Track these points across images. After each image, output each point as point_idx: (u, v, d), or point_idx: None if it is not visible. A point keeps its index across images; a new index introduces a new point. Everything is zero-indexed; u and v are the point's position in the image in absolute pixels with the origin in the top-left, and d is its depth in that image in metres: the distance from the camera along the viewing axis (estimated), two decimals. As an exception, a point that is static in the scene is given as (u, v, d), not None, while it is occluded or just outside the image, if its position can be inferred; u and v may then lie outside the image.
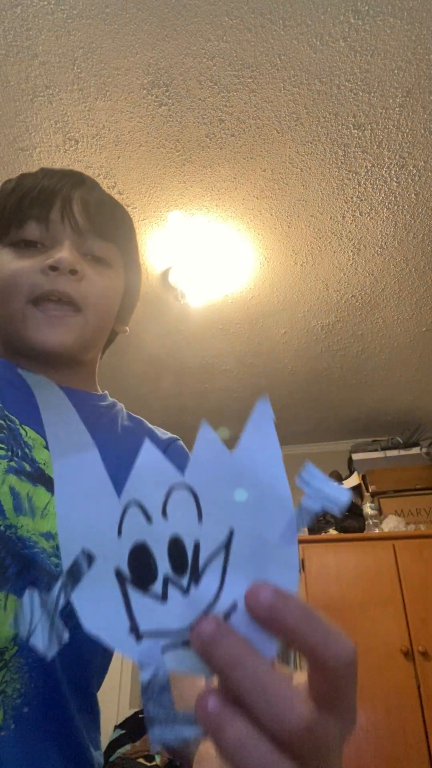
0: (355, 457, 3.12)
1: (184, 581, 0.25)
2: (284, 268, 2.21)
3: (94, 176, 1.81)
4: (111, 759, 1.88)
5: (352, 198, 1.91)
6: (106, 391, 0.71)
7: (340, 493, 0.24)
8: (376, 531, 2.69)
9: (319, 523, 2.80)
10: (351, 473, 3.12)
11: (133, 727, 2.27)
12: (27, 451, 0.53)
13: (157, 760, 2.18)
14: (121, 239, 0.65)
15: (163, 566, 0.25)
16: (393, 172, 1.81)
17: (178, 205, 1.92)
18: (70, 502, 0.26)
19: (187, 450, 0.69)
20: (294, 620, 0.22)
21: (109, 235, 0.63)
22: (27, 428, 0.55)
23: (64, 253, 0.57)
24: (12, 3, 1.37)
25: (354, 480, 3.06)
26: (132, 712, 2.27)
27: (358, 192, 1.88)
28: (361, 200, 1.92)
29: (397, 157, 1.76)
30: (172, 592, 0.25)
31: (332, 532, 2.72)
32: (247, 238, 2.06)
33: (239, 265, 2.19)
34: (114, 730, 2.04)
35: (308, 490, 0.24)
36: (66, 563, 0.25)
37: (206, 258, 2.13)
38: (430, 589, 2.40)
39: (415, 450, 3.06)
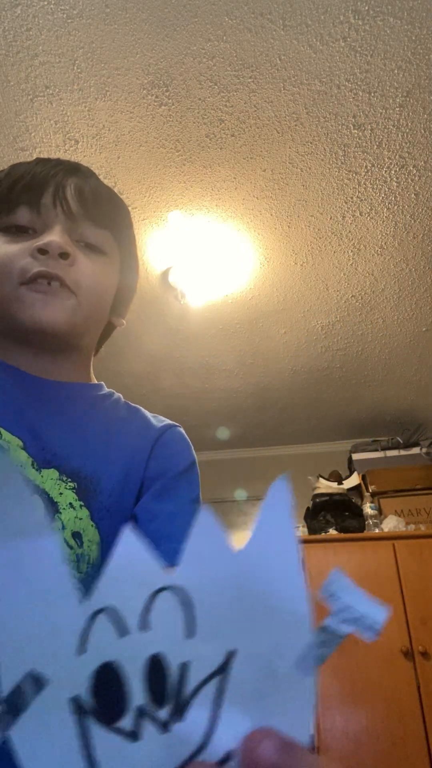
0: (355, 457, 3.12)
1: (164, 714, 0.19)
2: (284, 268, 2.21)
3: (94, 176, 1.81)
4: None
5: (352, 198, 1.91)
6: (102, 382, 0.69)
7: (376, 613, 0.19)
8: (376, 531, 2.69)
9: (319, 522, 2.80)
10: (351, 473, 3.12)
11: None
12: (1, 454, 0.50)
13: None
14: (117, 227, 0.64)
15: (138, 694, 0.19)
16: (393, 172, 1.81)
17: (178, 205, 1.92)
18: (16, 604, 0.20)
19: (186, 438, 0.66)
20: None
21: (103, 222, 0.61)
22: (1, 430, 0.52)
23: (53, 236, 0.56)
24: (12, 3, 1.37)
25: (354, 480, 3.06)
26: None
27: (358, 192, 1.88)
28: (361, 200, 1.92)
29: (397, 157, 1.76)
30: (148, 728, 0.19)
31: (332, 532, 2.72)
32: (247, 238, 2.06)
33: (239, 265, 2.19)
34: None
35: (336, 607, 0.19)
36: (5, 689, 0.19)
37: (206, 258, 2.13)
38: (430, 589, 2.40)
39: (415, 450, 3.06)
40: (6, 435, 0.53)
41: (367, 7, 1.37)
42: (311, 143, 1.72)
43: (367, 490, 2.92)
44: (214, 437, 3.46)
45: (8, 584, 0.20)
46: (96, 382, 0.69)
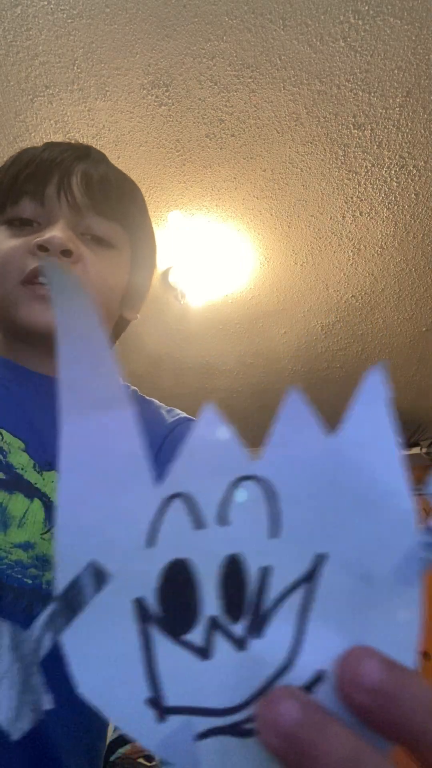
0: (355, 457, 3.12)
1: (240, 629, 0.16)
2: (284, 268, 2.21)
3: (94, 176, 1.81)
4: (111, 759, 1.89)
5: (352, 198, 1.91)
6: None
7: None
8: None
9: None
10: (351, 473, 3.12)
11: (133, 727, 2.26)
12: (1, 457, 0.49)
13: (158, 760, 2.18)
14: (127, 218, 0.59)
15: (211, 602, 0.16)
16: (393, 172, 1.81)
17: (178, 205, 1.92)
18: (79, 487, 0.17)
19: None
20: (418, 717, 0.14)
21: (111, 214, 0.56)
22: (2, 431, 0.51)
23: (55, 232, 0.51)
24: (12, 3, 1.37)
25: (354, 480, 3.06)
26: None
27: (358, 192, 1.88)
28: (361, 200, 1.92)
29: (397, 157, 1.76)
30: (221, 644, 0.16)
31: (332, 532, 2.72)
32: (247, 238, 2.07)
33: (239, 265, 2.19)
34: (114, 731, 2.05)
35: None
36: (61, 582, 0.16)
37: (206, 258, 2.13)
38: (430, 589, 2.40)
39: (415, 450, 3.06)
40: (7, 436, 0.51)
41: (367, 7, 1.37)
42: (311, 143, 1.72)
43: (367, 490, 2.92)
44: (214, 437, 3.46)
45: (75, 460, 0.17)
46: None
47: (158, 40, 1.45)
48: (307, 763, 0.14)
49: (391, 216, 1.98)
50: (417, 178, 1.83)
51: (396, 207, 1.94)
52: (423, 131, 1.68)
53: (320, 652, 0.16)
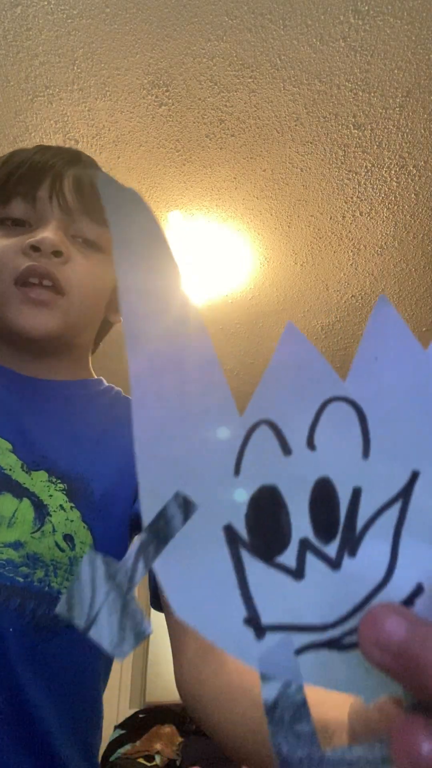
0: (355, 457, 3.12)
1: (333, 549, 0.16)
2: (284, 268, 2.21)
3: (94, 176, 1.81)
4: (111, 759, 1.89)
5: (352, 198, 1.91)
6: (101, 378, 0.67)
7: None
8: (376, 531, 2.69)
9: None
10: (351, 473, 3.12)
11: (133, 727, 2.27)
12: None
13: (158, 760, 2.18)
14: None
15: (302, 524, 0.16)
16: (393, 172, 1.81)
17: (178, 205, 1.92)
18: (157, 418, 0.16)
19: None
20: None
21: (101, 218, 0.56)
22: None
23: (47, 233, 0.53)
24: (12, 3, 1.37)
25: (354, 480, 3.06)
26: (132, 712, 2.27)
27: (358, 192, 1.89)
28: (361, 200, 1.92)
29: (397, 157, 1.76)
30: (314, 564, 0.16)
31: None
32: (247, 238, 2.07)
33: (239, 265, 2.19)
34: (114, 730, 2.05)
35: None
36: (148, 515, 0.16)
37: (206, 258, 2.13)
38: (430, 589, 2.40)
39: (415, 450, 3.06)
40: None
41: (367, 7, 1.37)
42: (311, 143, 1.72)
43: (367, 490, 2.92)
44: (214, 437, 3.46)
45: (149, 389, 0.17)
46: (95, 377, 0.67)
47: (158, 40, 1.45)
48: (415, 674, 0.14)
49: (391, 216, 1.98)
50: (417, 178, 1.83)
51: (396, 207, 1.94)
52: (423, 131, 1.68)
53: (416, 566, 0.16)
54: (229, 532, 0.16)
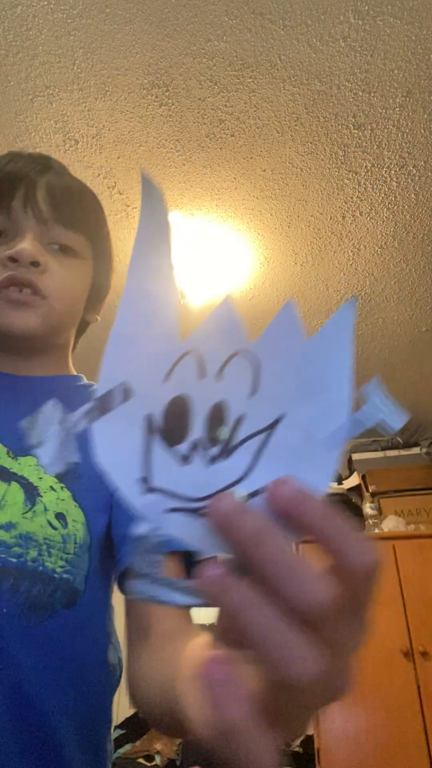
0: (355, 457, 3.12)
1: (214, 451, 0.23)
2: (284, 268, 2.21)
3: (94, 176, 1.82)
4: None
5: (352, 198, 1.91)
6: (81, 375, 0.70)
7: (395, 418, 0.23)
8: (376, 531, 2.69)
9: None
10: (351, 473, 3.12)
11: (133, 727, 2.27)
12: None
13: (157, 760, 2.18)
14: (89, 228, 0.63)
15: (198, 429, 0.23)
16: (393, 172, 1.81)
17: (178, 205, 1.92)
18: (128, 329, 0.23)
19: None
20: (311, 520, 0.21)
21: (75, 225, 0.60)
22: None
23: (25, 244, 0.55)
24: (12, 3, 1.37)
25: (354, 480, 3.06)
26: (132, 712, 2.27)
27: (358, 192, 1.89)
28: (361, 200, 1.92)
29: (397, 157, 1.76)
30: (198, 458, 0.23)
31: (332, 532, 2.72)
32: (247, 238, 2.07)
33: (239, 265, 2.19)
34: (114, 730, 2.04)
35: (367, 405, 0.23)
36: (100, 390, 0.22)
37: (206, 258, 2.13)
38: (430, 589, 2.40)
39: (415, 450, 3.06)
40: None
41: (367, 7, 1.37)
42: (311, 143, 1.72)
43: (367, 490, 2.92)
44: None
45: (131, 309, 0.23)
46: (75, 373, 0.70)
47: (158, 40, 1.45)
48: (230, 532, 0.21)
49: (391, 216, 1.98)
50: (417, 178, 1.83)
51: (396, 207, 1.94)
52: (423, 131, 1.68)
53: (264, 476, 0.23)
54: (149, 419, 0.23)
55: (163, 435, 0.23)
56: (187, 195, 1.88)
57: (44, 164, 0.61)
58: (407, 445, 3.09)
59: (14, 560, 0.47)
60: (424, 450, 3.05)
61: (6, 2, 1.37)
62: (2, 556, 0.46)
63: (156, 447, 0.23)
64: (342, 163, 1.78)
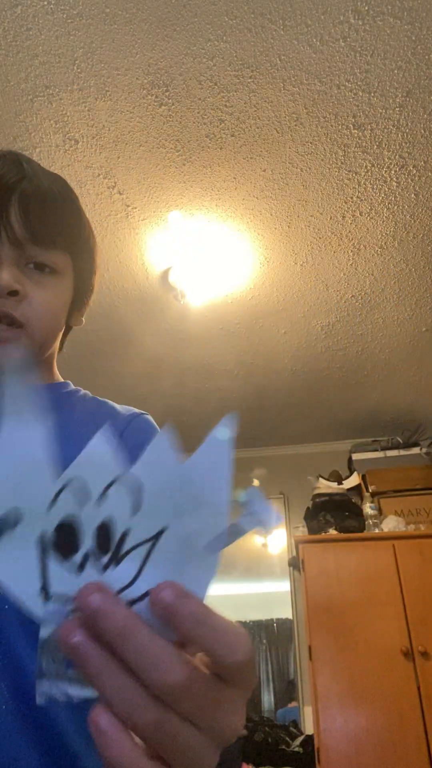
0: (355, 457, 3.12)
1: (104, 560, 0.26)
2: (284, 268, 2.21)
3: (94, 176, 1.82)
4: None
5: (352, 198, 1.91)
6: (69, 381, 0.71)
7: (271, 518, 0.26)
8: (376, 531, 2.69)
9: (319, 523, 2.80)
10: (351, 473, 3.12)
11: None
12: None
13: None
14: (66, 240, 0.62)
15: (87, 542, 0.26)
16: (393, 172, 1.81)
17: (178, 205, 1.92)
18: (12, 461, 0.26)
19: (152, 422, 0.69)
20: (187, 623, 0.24)
21: (51, 242, 0.59)
22: None
23: (2, 275, 0.55)
24: (12, 3, 1.37)
25: (354, 480, 3.06)
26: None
27: (358, 192, 1.89)
28: (361, 200, 1.92)
29: (397, 157, 1.76)
30: (90, 567, 0.26)
31: (332, 532, 2.72)
32: (247, 238, 2.07)
33: (239, 265, 2.19)
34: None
35: (246, 511, 0.26)
36: None
37: (206, 258, 2.13)
38: (430, 589, 2.40)
39: (415, 450, 3.06)
40: None
41: (367, 7, 1.37)
42: (311, 143, 1.72)
43: (367, 490, 2.92)
44: (214, 437, 3.46)
45: (11, 446, 0.26)
46: (61, 380, 0.71)
47: (158, 40, 1.45)
48: (101, 623, 0.23)
49: (391, 216, 1.98)
50: (417, 178, 1.83)
51: (396, 207, 1.94)
52: (423, 131, 1.68)
53: (149, 581, 0.25)
54: (42, 537, 0.26)
55: (57, 549, 0.26)
56: (187, 195, 1.88)
57: (15, 175, 0.58)
58: (407, 445, 3.09)
59: None
60: (424, 450, 3.05)
61: (6, 2, 1.37)
62: None
63: (51, 560, 0.25)
64: (342, 163, 1.78)
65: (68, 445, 0.59)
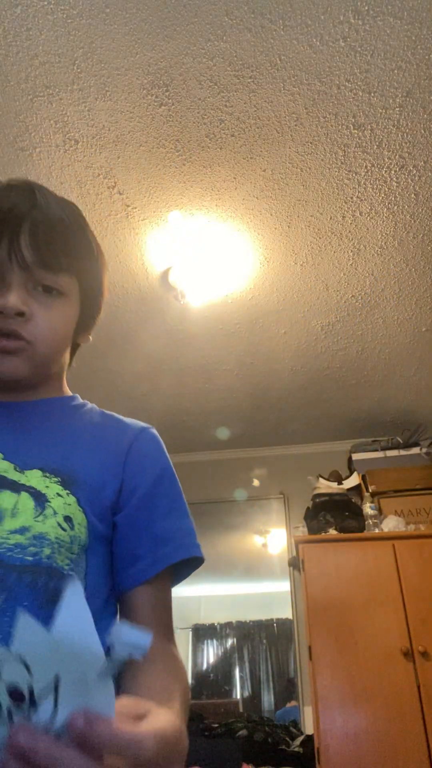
0: (355, 457, 3.12)
1: (25, 709, 0.32)
2: (284, 268, 2.21)
3: (94, 176, 1.82)
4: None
5: (352, 198, 1.91)
6: (77, 394, 0.75)
7: (141, 639, 0.32)
8: (376, 531, 2.69)
9: (319, 522, 2.80)
10: (351, 473, 3.12)
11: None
12: None
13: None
14: (74, 265, 0.65)
15: (6, 702, 0.32)
16: (393, 172, 1.81)
17: (178, 205, 1.92)
18: None
19: (158, 438, 0.72)
20: (100, 743, 0.30)
21: (58, 267, 0.62)
22: None
23: (10, 298, 0.58)
24: (12, 3, 1.37)
25: (354, 480, 3.06)
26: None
27: (358, 192, 1.89)
28: (361, 200, 1.92)
29: (397, 157, 1.76)
30: (17, 717, 0.32)
31: (332, 532, 2.72)
32: (247, 238, 2.07)
33: (239, 265, 2.19)
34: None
35: (116, 644, 0.32)
36: None
37: (206, 258, 2.13)
38: (430, 589, 2.40)
39: (415, 450, 3.06)
40: None
41: (367, 7, 1.37)
42: (311, 143, 1.72)
43: (367, 490, 2.92)
44: (214, 437, 3.46)
45: None
46: (70, 394, 0.74)
47: (158, 40, 1.45)
48: (32, 757, 0.30)
49: (391, 216, 1.98)
50: (417, 178, 1.83)
51: (396, 207, 1.94)
52: (423, 131, 1.68)
53: (65, 714, 0.31)
54: None
55: None
56: (187, 195, 1.88)
57: (28, 203, 0.62)
58: (407, 445, 3.09)
59: (30, 558, 0.53)
60: (424, 450, 3.05)
61: (6, 2, 1.37)
62: (19, 556, 0.53)
63: None
64: (342, 163, 1.78)
65: (75, 455, 0.63)
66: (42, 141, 1.70)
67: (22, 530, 0.54)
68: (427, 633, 2.30)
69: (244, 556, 3.44)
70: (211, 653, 3.21)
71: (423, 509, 2.79)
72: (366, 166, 1.79)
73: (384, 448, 3.09)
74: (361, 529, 2.75)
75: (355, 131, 1.68)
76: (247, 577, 3.42)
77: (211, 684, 3.14)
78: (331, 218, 1.99)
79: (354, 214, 1.97)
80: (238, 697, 3.06)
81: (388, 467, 2.98)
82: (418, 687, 2.20)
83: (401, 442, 3.12)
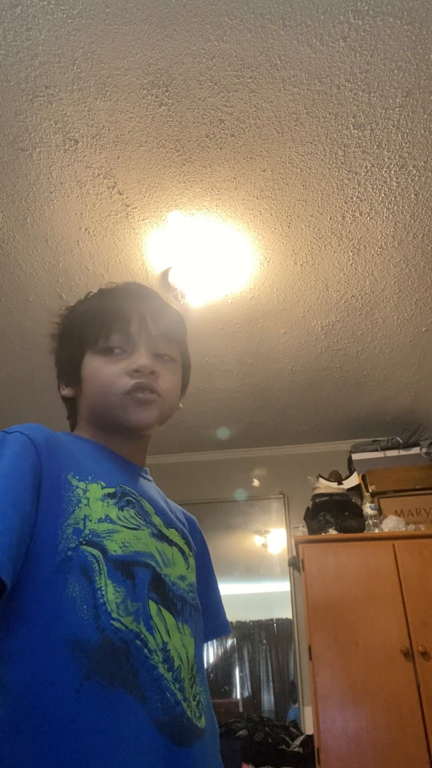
0: (355, 457, 3.12)
1: None
2: (284, 268, 2.21)
3: (94, 176, 1.82)
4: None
5: (352, 198, 1.91)
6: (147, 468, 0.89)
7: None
8: (376, 531, 2.69)
9: (319, 523, 2.80)
10: (351, 473, 3.12)
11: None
12: (149, 518, 0.73)
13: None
14: (179, 339, 0.85)
15: None
16: (393, 172, 1.81)
17: (178, 205, 1.92)
18: None
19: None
20: None
21: (172, 339, 0.83)
22: (142, 499, 0.75)
23: (144, 360, 0.76)
24: (12, 3, 1.37)
25: (354, 480, 3.06)
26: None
27: (358, 192, 1.89)
28: (361, 200, 1.92)
29: (397, 157, 1.76)
30: None
31: (332, 532, 2.72)
32: (247, 238, 2.07)
33: (239, 265, 2.19)
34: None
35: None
36: None
37: (206, 258, 2.13)
38: (430, 589, 2.40)
39: (415, 450, 3.06)
40: (145, 503, 0.74)
41: (367, 7, 1.37)
42: (311, 143, 1.72)
43: (367, 490, 2.92)
44: (214, 437, 3.46)
45: None
46: (146, 466, 0.90)
47: (158, 40, 1.45)
48: None
49: (391, 216, 1.98)
50: (417, 178, 1.83)
51: (396, 207, 1.94)
52: (423, 131, 1.68)
53: None
54: None
55: None
56: (187, 195, 1.88)
57: (146, 298, 0.83)
58: (407, 445, 3.09)
59: (191, 600, 0.72)
60: (424, 450, 3.05)
61: (6, 2, 1.37)
62: (187, 596, 0.71)
63: None
64: (342, 163, 1.78)
65: (173, 516, 0.79)
66: (42, 141, 1.70)
67: (182, 578, 0.72)
68: (427, 633, 2.30)
69: (244, 556, 3.44)
70: (211, 653, 3.21)
71: (423, 509, 2.79)
72: (366, 166, 1.79)
73: (384, 448, 3.09)
74: (361, 529, 2.75)
75: (355, 131, 1.68)
76: (247, 577, 3.42)
77: (210, 684, 3.14)
78: (331, 218, 1.99)
79: (354, 214, 1.97)
80: (238, 697, 3.06)
81: (388, 467, 2.98)
82: (418, 687, 2.20)
83: (401, 442, 3.11)
